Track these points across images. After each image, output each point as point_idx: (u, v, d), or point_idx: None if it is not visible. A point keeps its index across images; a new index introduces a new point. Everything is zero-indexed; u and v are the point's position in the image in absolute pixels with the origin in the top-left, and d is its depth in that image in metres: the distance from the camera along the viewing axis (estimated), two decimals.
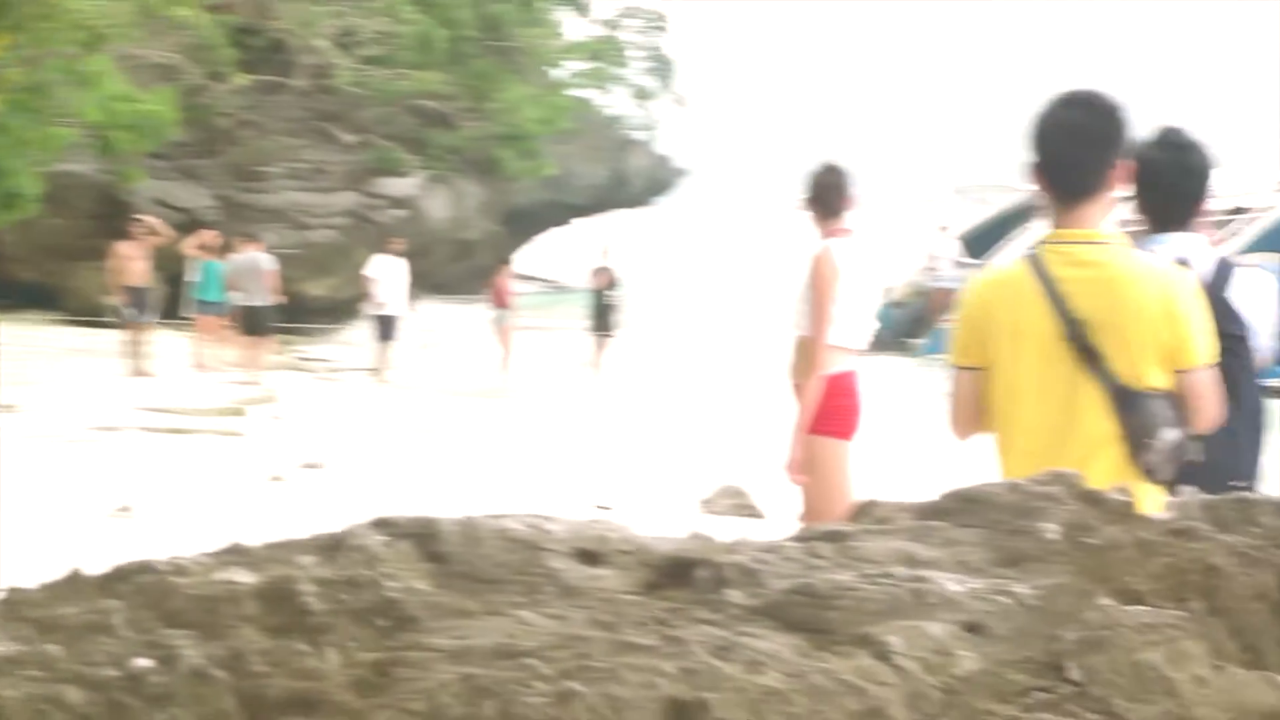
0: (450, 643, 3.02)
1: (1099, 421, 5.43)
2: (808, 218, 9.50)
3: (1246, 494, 3.70)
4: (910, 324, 36.58)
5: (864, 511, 3.63)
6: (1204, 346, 5.49)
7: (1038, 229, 5.89)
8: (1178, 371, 5.43)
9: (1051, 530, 3.41)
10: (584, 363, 36.45)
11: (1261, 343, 6.01)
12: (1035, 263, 5.54)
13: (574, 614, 3.12)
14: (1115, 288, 5.44)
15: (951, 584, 3.24)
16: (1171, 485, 5.17)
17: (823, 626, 3.12)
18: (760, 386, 20.99)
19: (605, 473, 19.46)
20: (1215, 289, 5.94)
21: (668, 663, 2.90)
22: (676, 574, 3.35)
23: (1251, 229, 33.34)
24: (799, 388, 9.23)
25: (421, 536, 3.37)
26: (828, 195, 9.47)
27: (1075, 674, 3.13)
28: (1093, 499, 3.55)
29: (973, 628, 3.19)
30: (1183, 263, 5.77)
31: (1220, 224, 35.57)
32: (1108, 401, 5.41)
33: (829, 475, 9.09)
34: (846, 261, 9.24)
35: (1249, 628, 3.48)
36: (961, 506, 3.57)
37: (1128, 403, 5.36)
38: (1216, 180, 6.13)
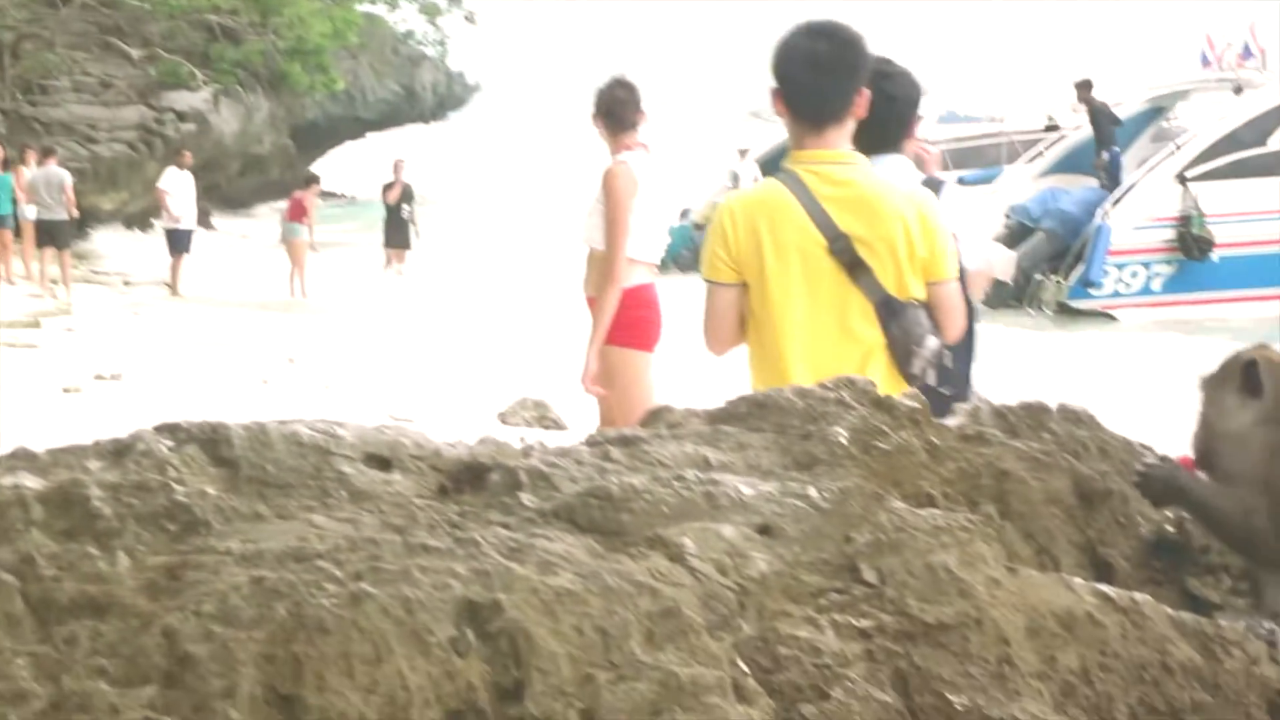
0: (241, 546, 2.98)
1: (867, 331, 5.64)
2: (599, 132, 9.49)
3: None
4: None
5: (657, 416, 3.64)
6: (952, 260, 5.74)
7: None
8: (930, 284, 5.67)
9: (842, 435, 3.43)
10: (378, 277, 36.24)
11: (968, 260, 6.28)
12: (793, 181, 5.71)
13: (365, 518, 3.10)
14: (873, 204, 5.66)
15: (744, 487, 3.26)
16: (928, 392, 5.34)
17: (616, 529, 3.12)
18: (557, 300, 21.00)
19: (402, 386, 19.38)
20: None
21: (460, 564, 2.89)
22: (469, 478, 3.34)
23: (1056, 149, 33.91)
24: (593, 301, 9.23)
25: (210, 441, 3.32)
26: (619, 109, 9.46)
27: (869, 575, 3.16)
28: (883, 404, 3.58)
29: (765, 530, 3.21)
30: None
31: (1027, 144, 36.16)
32: (874, 312, 5.63)
33: (628, 387, 9.10)
34: (641, 175, 9.25)
35: (1042, 531, 3.54)
36: (753, 411, 3.59)
37: (893, 312, 5.60)
38: (922, 106, 6.41)
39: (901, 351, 5.64)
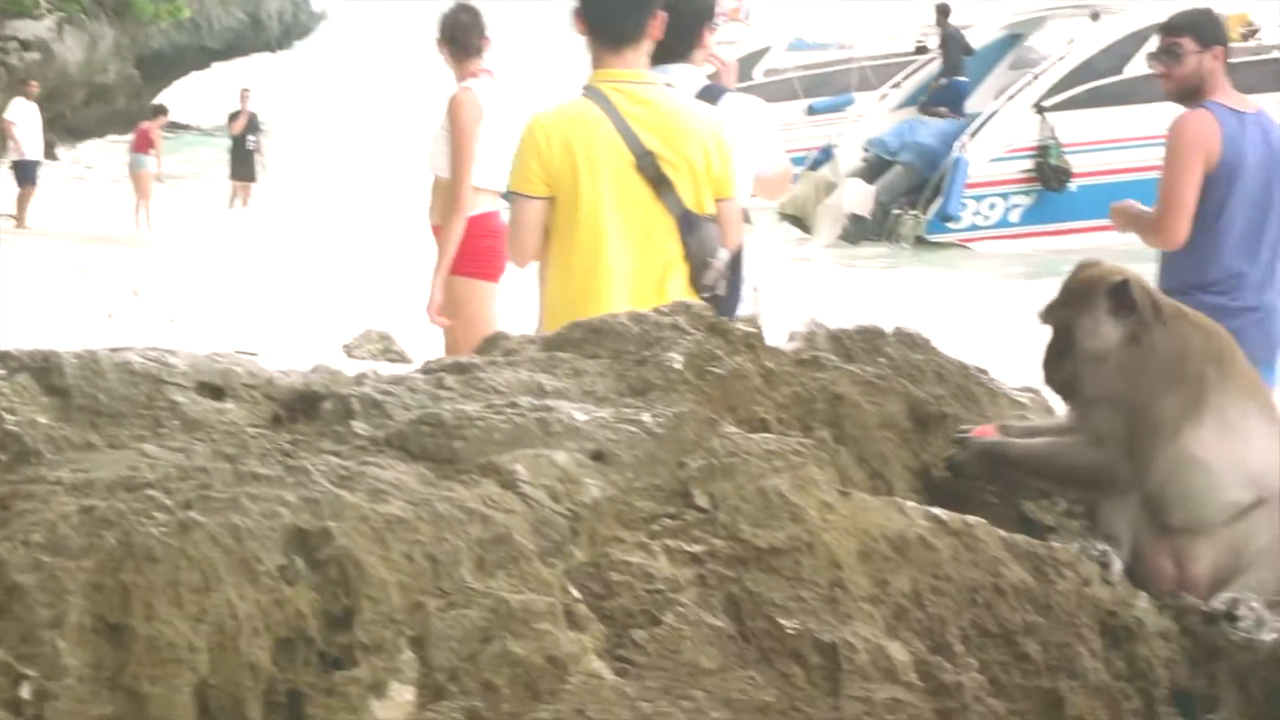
0: (71, 475, 2.99)
1: (669, 245, 5.98)
2: (443, 59, 9.45)
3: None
4: None
5: (492, 344, 3.66)
6: (736, 178, 6.14)
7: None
8: (718, 200, 6.03)
9: (677, 360, 3.47)
10: (225, 209, 35.87)
11: (749, 168, 6.68)
12: (601, 99, 6.01)
13: (197, 447, 3.11)
14: (674, 123, 6.00)
15: (578, 413, 3.29)
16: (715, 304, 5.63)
17: (448, 456, 3.15)
18: (404, 229, 20.90)
19: (248, 319, 19.25)
20: None
21: (290, 493, 2.91)
22: (303, 407, 3.35)
23: (915, 80, 34.12)
24: (438, 229, 9.19)
25: (41, 370, 3.32)
26: (462, 35, 9.42)
27: (701, 500, 3.21)
28: (718, 329, 3.62)
29: (599, 456, 3.25)
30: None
31: (880, 70, 36.33)
32: (675, 226, 5.97)
33: (474, 317, 9.08)
34: (486, 102, 9.22)
35: (876, 455, 3.60)
36: (588, 338, 3.62)
37: (691, 227, 5.96)
38: (712, 17, 6.79)
39: (698, 264, 5.96)
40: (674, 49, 6.55)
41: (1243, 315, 6.93)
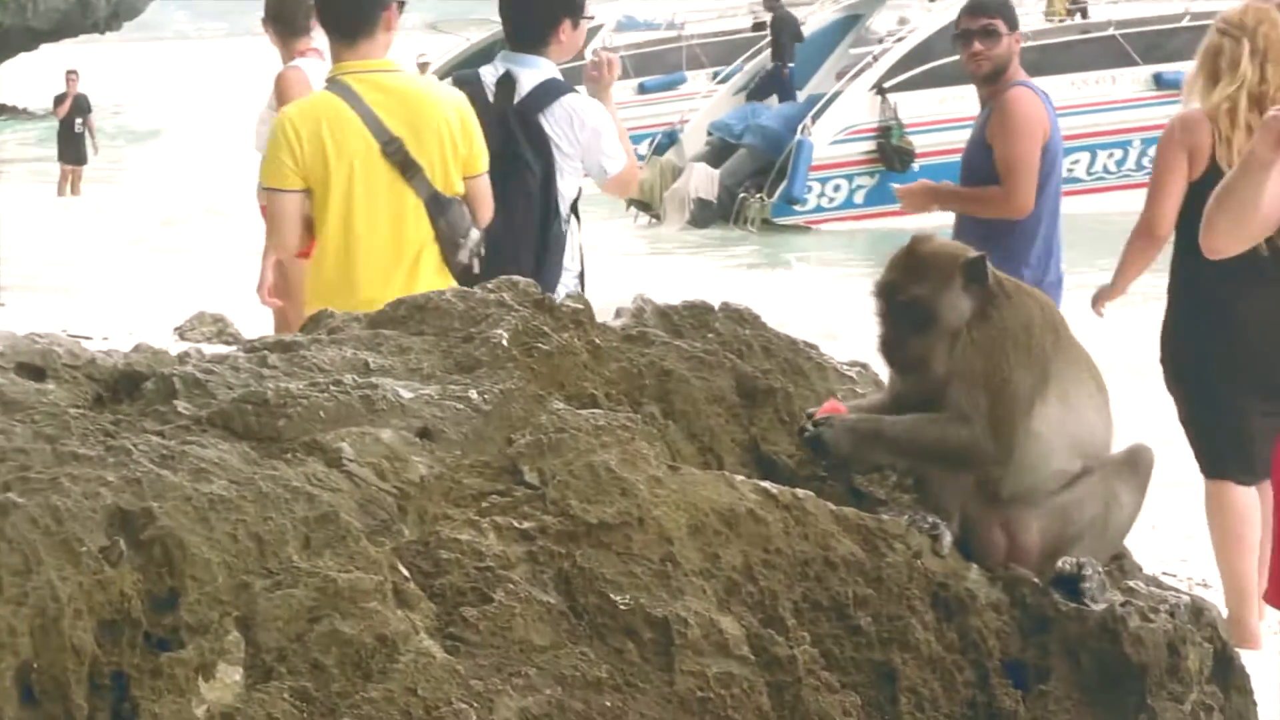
0: None
1: (420, 228, 6.31)
2: (270, 38, 9.42)
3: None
4: None
5: (317, 322, 3.67)
6: (485, 155, 6.41)
7: None
8: (467, 178, 6.35)
9: (504, 336, 3.50)
10: (54, 193, 35.43)
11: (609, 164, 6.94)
12: (344, 90, 6.33)
13: (16, 428, 3.09)
14: (416, 106, 6.32)
15: (403, 391, 3.31)
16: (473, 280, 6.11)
17: (272, 434, 3.16)
18: (235, 210, 20.76)
19: (80, 304, 19.05)
20: (530, 110, 6.83)
21: (112, 473, 2.91)
22: (125, 387, 3.34)
23: (755, 64, 34.40)
24: (266, 209, 9.13)
25: None
26: (289, 14, 9.40)
27: (531, 477, 3.24)
28: (544, 306, 3.65)
29: (426, 433, 3.27)
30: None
31: (709, 49, 36.53)
32: (424, 208, 6.31)
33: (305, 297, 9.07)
34: (315, 82, 9.19)
35: (705, 429, 3.64)
36: (413, 315, 3.64)
37: (441, 208, 6.30)
38: (577, 13, 6.99)
39: (449, 244, 6.29)
40: (527, 40, 6.86)
41: (1052, 290, 7.18)
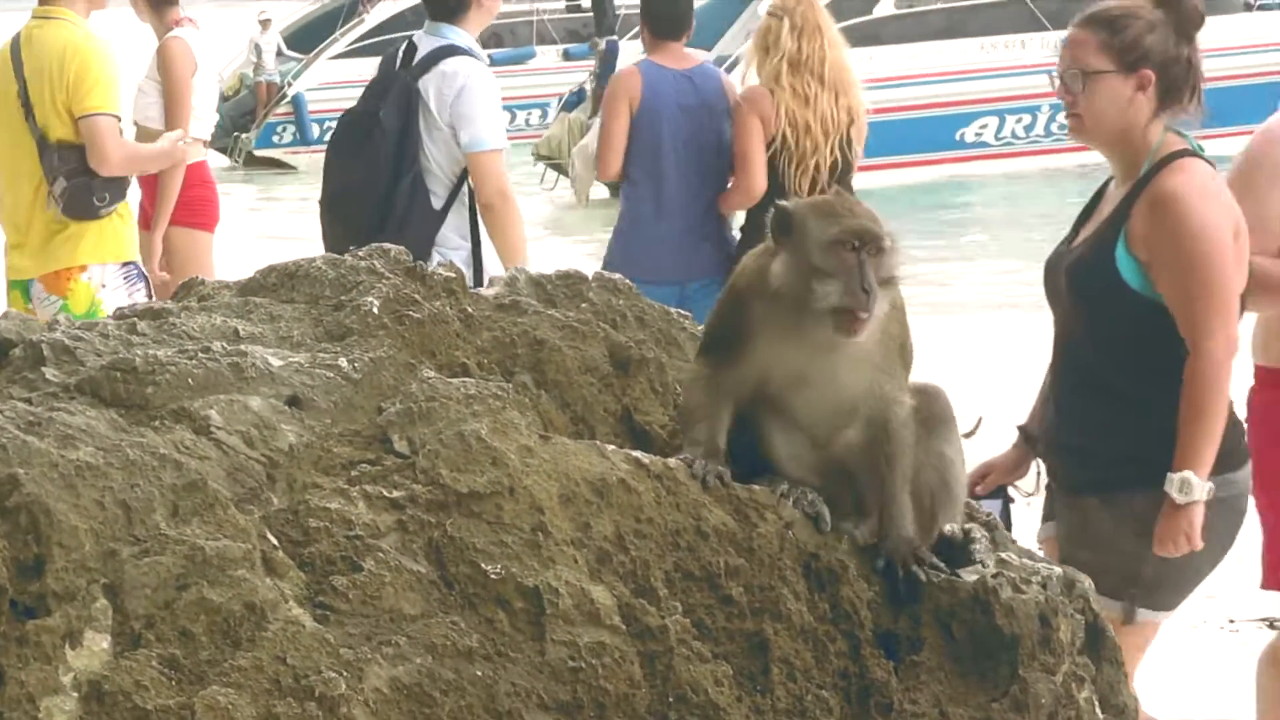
0: None
1: (34, 170, 7.39)
2: (138, 11, 9.49)
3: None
4: (238, 118, 37.11)
5: (188, 289, 3.76)
6: (92, 101, 7.35)
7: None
8: (77, 118, 7.33)
9: (374, 304, 3.60)
10: None
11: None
12: (17, 37, 7.51)
13: None
14: (39, 49, 7.37)
15: (273, 359, 3.41)
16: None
17: (140, 402, 3.25)
18: None
19: None
20: (414, 74, 7.24)
21: None
22: None
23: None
24: (150, 180, 9.18)
25: None
26: None
27: (401, 446, 3.34)
28: (415, 274, 3.75)
29: (295, 401, 3.37)
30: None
31: (558, 24, 36.85)
32: (37, 151, 7.37)
33: (194, 267, 9.13)
34: (198, 52, 9.30)
35: (578, 399, 3.75)
36: (284, 282, 3.73)
37: (44, 149, 7.35)
38: None
39: (50, 181, 7.37)
40: (441, 12, 7.33)
41: None
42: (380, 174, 7.09)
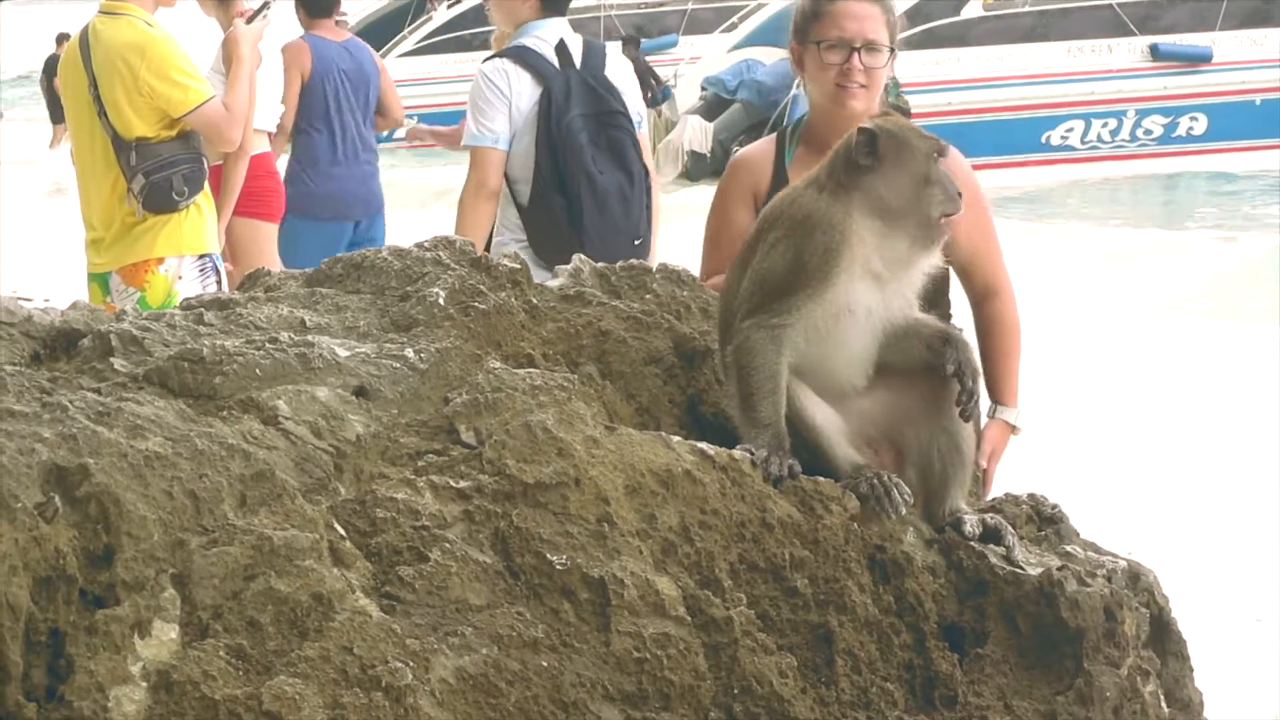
0: None
1: (111, 165, 7.43)
2: (205, 4, 9.58)
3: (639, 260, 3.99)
4: None
5: (254, 280, 3.77)
6: (190, 95, 7.45)
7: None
8: (179, 118, 7.42)
9: (440, 295, 3.60)
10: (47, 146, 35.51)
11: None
12: (86, 30, 7.51)
13: None
14: (107, 46, 7.38)
15: (340, 349, 3.42)
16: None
17: (208, 392, 3.26)
18: None
19: (16, 266, 19.12)
20: (593, 67, 7.14)
21: (47, 429, 3.00)
22: (62, 344, 3.44)
23: (754, 20, 34.40)
24: (215, 170, 9.23)
25: None
26: None
27: (467, 436, 3.35)
28: (481, 264, 3.76)
29: (362, 392, 3.37)
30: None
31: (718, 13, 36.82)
32: (110, 148, 7.42)
33: (258, 257, 9.18)
34: (263, 44, 9.35)
35: (643, 390, 3.76)
36: (350, 273, 3.74)
37: (120, 147, 7.39)
38: None
39: (128, 179, 7.42)
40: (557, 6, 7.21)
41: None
42: (636, 172, 7.15)
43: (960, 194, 3.75)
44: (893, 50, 5.02)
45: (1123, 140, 30.42)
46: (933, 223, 3.69)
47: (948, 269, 4.88)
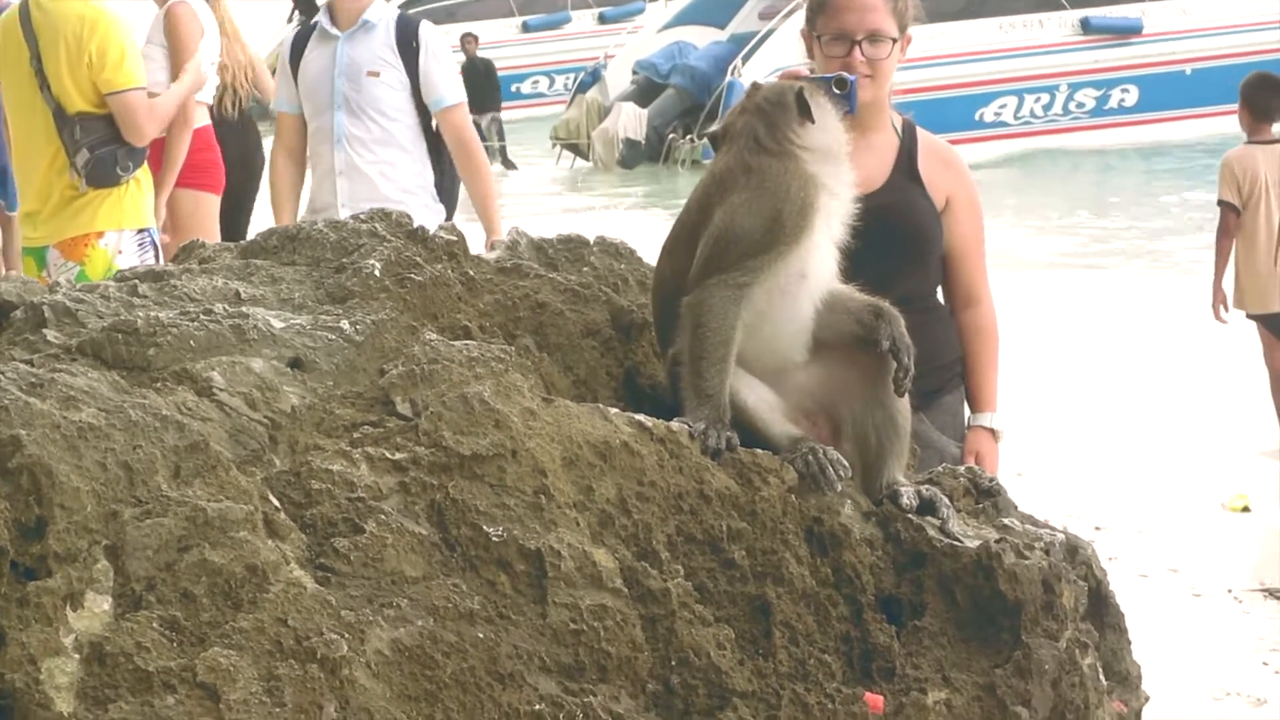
0: None
1: (51, 138, 7.46)
2: None
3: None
4: None
5: (188, 252, 3.77)
6: (120, 78, 7.48)
7: None
8: (105, 95, 7.43)
9: (376, 267, 3.61)
10: None
11: None
12: (24, 1, 7.51)
13: None
14: (53, 20, 7.41)
15: (275, 321, 3.41)
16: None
17: (142, 363, 3.26)
18: None
19: None
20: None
21: None
22: None
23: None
24: (155, 144, 9.23)
25: None
26: None
27: (403, 408, 3.35)
28: (417, 236, 3.76)
29: (297, 363, 3.38)
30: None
31: None
32: (52, 122, 7.46)
33: (198, 232, 9.19)
34: (203, 16, 9.35)
35: (580, 362, 3.76)
36: (285, 245, 3.74)
37: (63, 123, 7.42)
38: None
39: (70, 155, 7.47)
40: None
41: None
42: None
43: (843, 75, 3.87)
44: (904, 35, 5.03)
45: (1055, 115, 30.67)
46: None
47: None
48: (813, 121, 3.73)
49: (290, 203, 8.28)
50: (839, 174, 3.76)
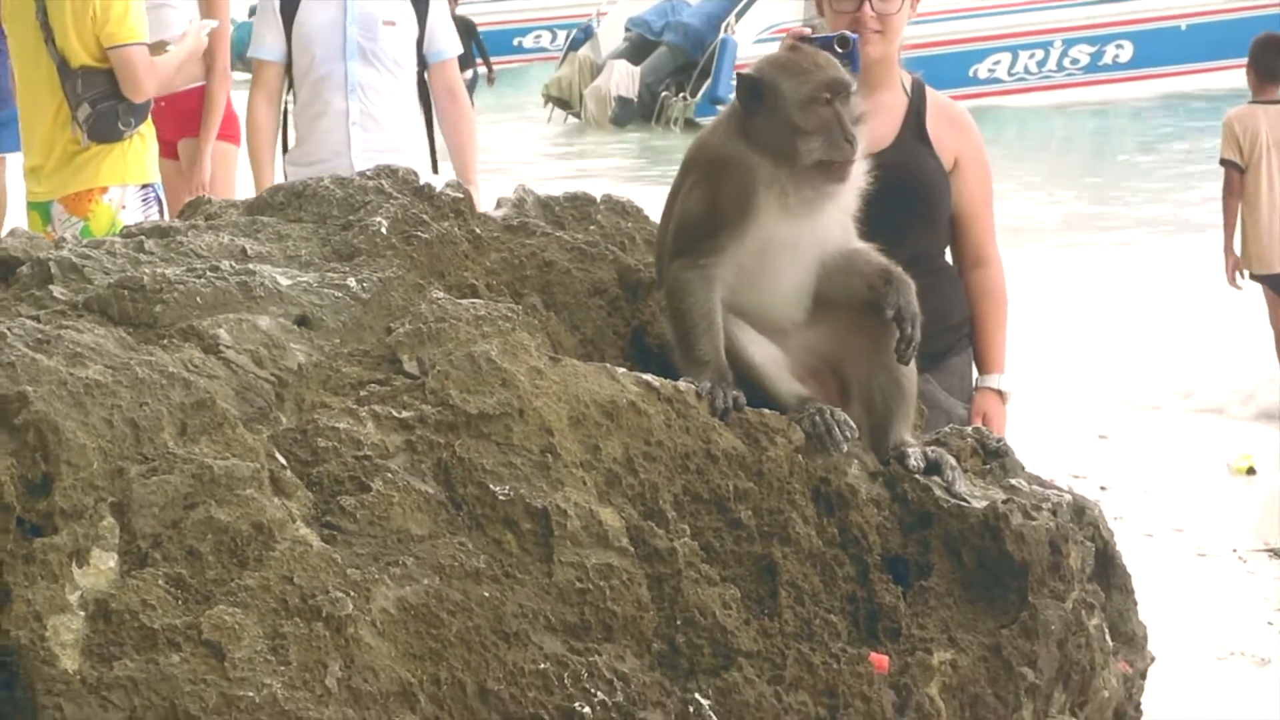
0: None
1: (55, 92, 7.35)
2: None
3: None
4: None
5: (194, 208, 3.75)
6: (123, 31, 7.36)
7: None
8: (108, 49, 7.31)
9: (383, 224, 3.60)
10: None
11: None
12: None
13: None
14: None
15: (281, 278, 3.40)
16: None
17: (148, 320, 3.26)
18: None
19: None
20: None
21: None
22: (1, 272, 3.42)
23: None
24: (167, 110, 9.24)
25: None
26: None
27: (410, 366, 3.34)
28: (424, 194, 3.75)
29: (304, 321, 3.37)
30: None
31: None
32: (56, 75, 7.36)
33: (227, 181, 9.22)
34: None
35: (587, 322, 3.76)
36: (291, 201, 3.73)
37: (66, 77, 7.34)
38: None
39: (73, 107, 7.39)
40: None
41: None
42: None
43: (852, 141, 3.66)
44: None
45: (1050, 70, 30.67)
46: (810, 169, 3.65)
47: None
48: (762, 114, 3.67)
49: (270, 150, 8.31)
50: (784, 163, 3.66)
